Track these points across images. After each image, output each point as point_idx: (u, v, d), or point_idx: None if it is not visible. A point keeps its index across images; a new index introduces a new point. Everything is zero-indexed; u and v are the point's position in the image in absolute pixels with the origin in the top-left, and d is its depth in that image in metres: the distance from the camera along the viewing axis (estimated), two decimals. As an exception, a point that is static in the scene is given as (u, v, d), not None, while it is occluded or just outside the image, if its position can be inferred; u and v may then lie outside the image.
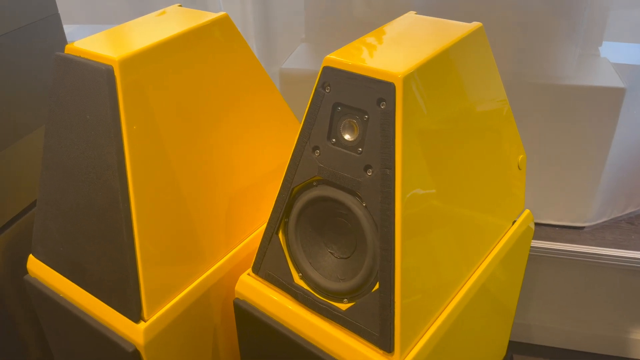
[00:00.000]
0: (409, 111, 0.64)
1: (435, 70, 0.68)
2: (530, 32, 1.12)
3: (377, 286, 0.69)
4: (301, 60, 1.35)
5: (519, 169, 0.89)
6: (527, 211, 0.93)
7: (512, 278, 0.95)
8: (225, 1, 1.56)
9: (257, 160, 0.91)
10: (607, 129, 1.15)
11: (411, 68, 0.64)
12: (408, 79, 0.64)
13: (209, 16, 0.82)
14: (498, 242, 0.86)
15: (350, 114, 0.68)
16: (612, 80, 1.14)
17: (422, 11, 1.27)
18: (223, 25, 0.83)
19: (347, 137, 0.69)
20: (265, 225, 0.93)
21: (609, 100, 1.13)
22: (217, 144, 0.83)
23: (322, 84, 0.69)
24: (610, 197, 1.26)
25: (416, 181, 0.67)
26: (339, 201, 0.71)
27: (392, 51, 0.69)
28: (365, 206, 0.69)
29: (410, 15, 0.81)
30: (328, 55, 0.69)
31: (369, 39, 0.74)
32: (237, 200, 0.88)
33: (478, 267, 0.82)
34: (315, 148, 0.72)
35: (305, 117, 0.72)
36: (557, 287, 1.27)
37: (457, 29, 0.74)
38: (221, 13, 0.83)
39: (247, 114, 0.88)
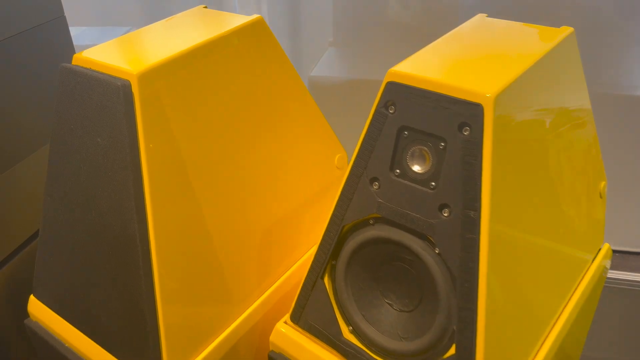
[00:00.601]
0: (500, 139, 0.52)
1: (528, 88, 0.56)
2: (598, 37, 0.99)
3: (452, 350, 0.57)
4: (331, 67, 1.23)
5: (600, 197, 0.76)
6: (606, 245, 0.80)
7: (587, 319, 0.82)
8: (240, 1, 1.44)
9: (294, 187, 0.78)
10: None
11: (502, 86, 0.52)
12: (500, 99, 0.51)
13: (240, 19, 0.70)
14: (580, 282, 0.74)
15: (421, 141, 0.55)
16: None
17: (470, 12, 1.14)
18: (257, 29, 0.70)
19: (416, 168, 0.56)
20: (301, 262, 0.81)
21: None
22: (249, 168, 0.71)
23: (384, 103, 0.57)
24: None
25: (505, 223, 0.55)
26: (404, 245, 0.58)
27: (473, 63, 0.56)
28: (439, 253, 0.56)
29: (482, 19, 0.68)
30: (393, 68, 0.56)
31: (439, 47, 0.61)
32: (270, 233, 0.76)
33: (560, 315, 0.69)
34: (374, 180, 0.59)
35: (362, 142, 0.59)
36: (618, 321, 1.14)
37: (546, 36, 0.62)
38: (255, 16, 0.70)
39: (283, 133, 0.75)
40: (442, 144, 0.54)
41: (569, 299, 0.71)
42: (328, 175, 0.84)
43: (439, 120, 0.53)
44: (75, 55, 0.62)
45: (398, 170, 0.58)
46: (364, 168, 0.59)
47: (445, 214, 0.55)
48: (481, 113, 0.51)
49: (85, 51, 0.63)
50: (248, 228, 0.72)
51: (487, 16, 0.69)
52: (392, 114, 0.57)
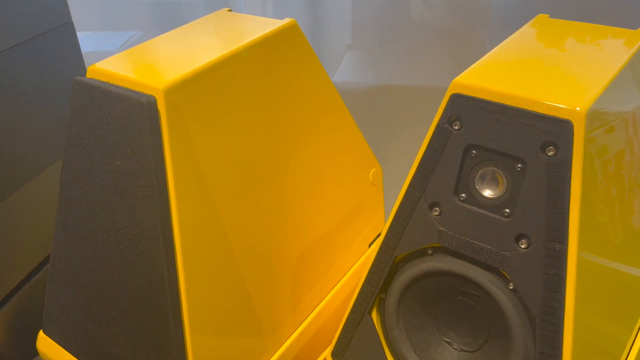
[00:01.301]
0: (589, 160, 0.45)
1: (614, 100, 0.48)
2: None
3: (529, 400, 0.50)
4: (352, 72, 1.16)
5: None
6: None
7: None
8: (245, 3, 1.36)
9: (328, 206, 0.71)
10: None
11: (592, 99, 0.44)
12: (591, 115, 0.44)
13: (271, 24, 0.62)
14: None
15: (493, 162, 0.48)
16: None
17: (503, 12, 1.07)
18: (290, 35, 0.63)
19: (487, 193, 0.49)
20: (338, 288, 0.73)
21: None
22: (281, 189, 0.64)
23: (447, 118, 0.50)
24: None
25: (592, 255, 0.48)
26: (469, 279, 0.51)
27: (551, 72, 0.49)
28: (513, 290, 0.49)
29: (544, 19, 0.61)
30: (457, 78, 0.49)
31: (505, 53, 0.54)
32: (303, 258, 0.68)
33: (634, 343, 0.62)
34: (435, 205, 0.52)
35: (420, 162, 0.52)
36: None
37: (623, 38, 0.54)
38: (288, 20, 0.63)
39: (317, 148, 0.68)
40: (520, 165, 0.47)
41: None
42: (363, 192, 0.77)
43: (517, 139, 0.46)
44: (90, 68, 0.55)
45: (464, 195, 0.50)
46: (422, 192, 0.52)
47: (523, 246, 0.47)
48: (571, 131, 0.43)
49: (101, 62, 0.56)
50: (280, 253, 0.65)
51: (549, 17, 0.62)
52: (457, 130, 0.49)
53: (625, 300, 0.58)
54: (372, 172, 0.78)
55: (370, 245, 0.80)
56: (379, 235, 0.59)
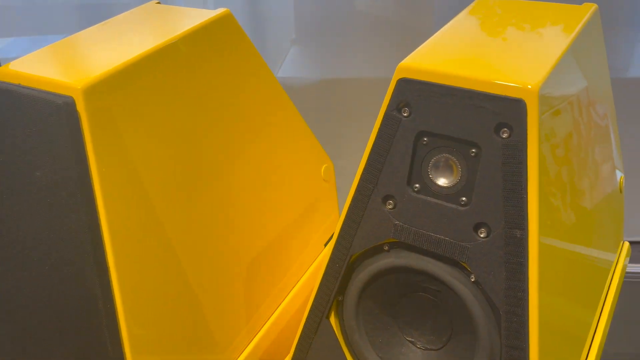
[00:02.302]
0: (545, 140, 0.43)
1: (565, 77, 0.47)
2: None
3: (498, 396, 0.47)
4: (298, 67, 1.12)
5: (620, 192, 0.69)
6: (626, 243, 0.73)
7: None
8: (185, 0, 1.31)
9: (278, 206, 0.67)
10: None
11: (543, 76, 0.42)
12: (544, 92, 0.42)
13: (204, 15, 0.58)
14: (610, 285, 0.66)
15: (445, 148, 0.46)
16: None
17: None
18: (225, 26, 0.59)
19: (441, 181, 0.47)
20: (293, 294, 0.70)
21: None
22: (226, 190, 0.59)
23: (395, 105, 0.47)
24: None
25: (553, 239, 0.46)
26: (429, 273, 0.48)
27: (499, 51, 0.47)
28: (475, 281, 0.46)
29: (487, 0, 0.59)
30: (403, 62, 0.46)
31: (451, 35, 0.51)
32: (254, 263, 0.64)
33: (597, 325, 0.61)
34: (388, 198, 0.49)
35: (370, 153, 0.49)
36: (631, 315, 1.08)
37: (569, 14, 0.53)
38: (221, 10, 0.59)
39: (263, 145, 0.64)
40: (474, 150, 0.44)
41: (603, 306, 0.63)
42: (315, 190, 0.74)
43: (469, 122, 0.44)
44: (0, 69, 0.49)
45: (417, 185, 0.48)
46: (374, 185, 0.49)
47: (482, 235, 0.45)
48: (524, 110, 0.41)
49: (12, 63, 0.50)
50: (229, 260, 0.60)
51: (492, -4, 0.60)
52: (406, 117, 0.46)
53: (585, 281, 0.57)
54: (323, 168, 0.75)
55: (326, 244, 0.76)
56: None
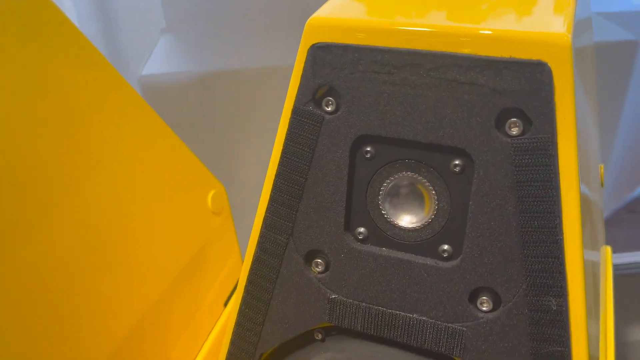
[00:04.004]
0: (576, 134, 0.24)
1: (579, 26, 0.28)
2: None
3: None
4: (171, 61, 0.88)
5: (602, 185, 0.54)
6: (609, 249, 0.58)
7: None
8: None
9: (155, 264, 0.44)
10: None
11: (569, 22, 0.24)
12: (574, 51, 0.23)
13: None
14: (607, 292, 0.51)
15: (407, 163, 0.26)
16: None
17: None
18: (39, 12, 0.35)
19: (404, 221, 0.27)
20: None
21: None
22: (77, 253, 0.35)
23: (310, 94, 0.26)
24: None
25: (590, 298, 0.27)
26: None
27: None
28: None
29: None
30: (316, 14, 0.26)
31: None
32: (131, 345, 0.41)
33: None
34: (314, 255, 0.28)
35: (276, 180, 0.28)
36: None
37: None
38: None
39: (111, 175, 0.40)
40: (458, 162, 0.25)
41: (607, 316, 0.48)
42: (202, 229, 0.52)
43: (448, 114, 0.24)
44: None
45: (363, 230, 0.27)
46: (289, 235, 0.28)
47: (486, 307, 0.26)
48: (549, 83, 0.22)
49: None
50: (92, 343, 0.37)
51: None
52: (331, 113, 0.26)
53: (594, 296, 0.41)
54: (210, 196, 0.53)
55: (226, 303, 0.54)
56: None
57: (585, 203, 0.30)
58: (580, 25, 0.30)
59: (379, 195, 0.27)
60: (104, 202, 0.40)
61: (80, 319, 0.37)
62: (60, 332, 0.35)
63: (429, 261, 0.26)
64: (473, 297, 0.26)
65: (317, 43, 0.25)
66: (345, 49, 0.25)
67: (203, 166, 0.52)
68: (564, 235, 0.23)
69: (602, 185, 0.53)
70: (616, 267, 0.83)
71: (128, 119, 0.44)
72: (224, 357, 0.31)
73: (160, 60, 0.87)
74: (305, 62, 0.26)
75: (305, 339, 0.30)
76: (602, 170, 0.53)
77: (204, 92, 0.90)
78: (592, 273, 0.33)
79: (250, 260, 0.29)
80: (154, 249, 0.46)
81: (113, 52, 0.97)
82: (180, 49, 0.90)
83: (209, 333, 0.52)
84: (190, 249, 0.50)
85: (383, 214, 0.27)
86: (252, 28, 0.93)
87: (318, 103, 0.26)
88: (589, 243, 0.34)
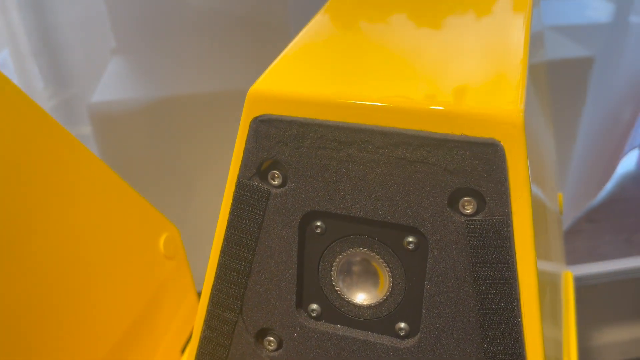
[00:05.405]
0: (532, 206, 0.23)
1: (529, 89, 0.28)
2: None
3: None
4: (122, 85, 0.85)
5: (560, 213, 0.54)
6: (570, 274, 0.58)
7: None
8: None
9: (102, 317, 0.42)
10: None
11: (520, 95, 0.23)
12: (527, 124, 0.22)
13: None
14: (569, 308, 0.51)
15: (360, 238, 0.24)
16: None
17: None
18: None
19: (359, 298, 0.25)
20: None
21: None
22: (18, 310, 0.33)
23: (255, 168, 0.24)
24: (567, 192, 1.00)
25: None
26: None
27: (415, 57, 0.27)
28: None
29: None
30: (257, 83, 0.24)
31: (323, 39, 0.30)
32: None
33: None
34: (265, 334, 0.27)
35: (222, 256, 0.26)
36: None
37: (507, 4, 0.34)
38: None
39: (42, 223, 0.38)
40: (411, 239, 0.23)
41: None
42: (153, 276, 0.49)
43: (400, 191, 0.23)
44: None
45: (316, 307, 0.26)
46: (238, 312, 0.26)
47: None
48: (502, 160, 0.21)
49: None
50: None
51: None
52: (278, 187, 0.24)
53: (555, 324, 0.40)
54: (162, 240, 0.50)
55: (183, 350, 0.52)
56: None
57: (545, 251, 0.30)
58: (532, 48, 0.29)
59: (331, 271, 0.25)
60: (46, 253, 0.38)
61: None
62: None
63: (386, 340, 0.25)
64: (433, 379, 0.25)
65: (260, 116, 0.24)
66: (290, 123, 0.23)
67: (154, 209, 0.50)
68: (523, 316, 0.22)
69: (561, 213, 0.53)
70: (577, 279, 0.84)
71: (70, 168, 0.41)
72: None
73: (111, 84, 0.84)
74: (248, 136, 0.24)
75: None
76: (560, 198, 0.53)
77: (157, 120, 0.87)
78: (553, 339, 0.32)
79: (198, 339, 0.28)
80: (103, 298, 0.43)
81: (58, 75, 0.93)
82: (136, 71, 0.86)
83: (166, 384, 0.50)
84: (142, 295, 0.48)
85: (337, 290, 0.25)
86: (208, 49, 0.91)
87: (263, 177, 0.25)
88: (548, 288, 0.33)
